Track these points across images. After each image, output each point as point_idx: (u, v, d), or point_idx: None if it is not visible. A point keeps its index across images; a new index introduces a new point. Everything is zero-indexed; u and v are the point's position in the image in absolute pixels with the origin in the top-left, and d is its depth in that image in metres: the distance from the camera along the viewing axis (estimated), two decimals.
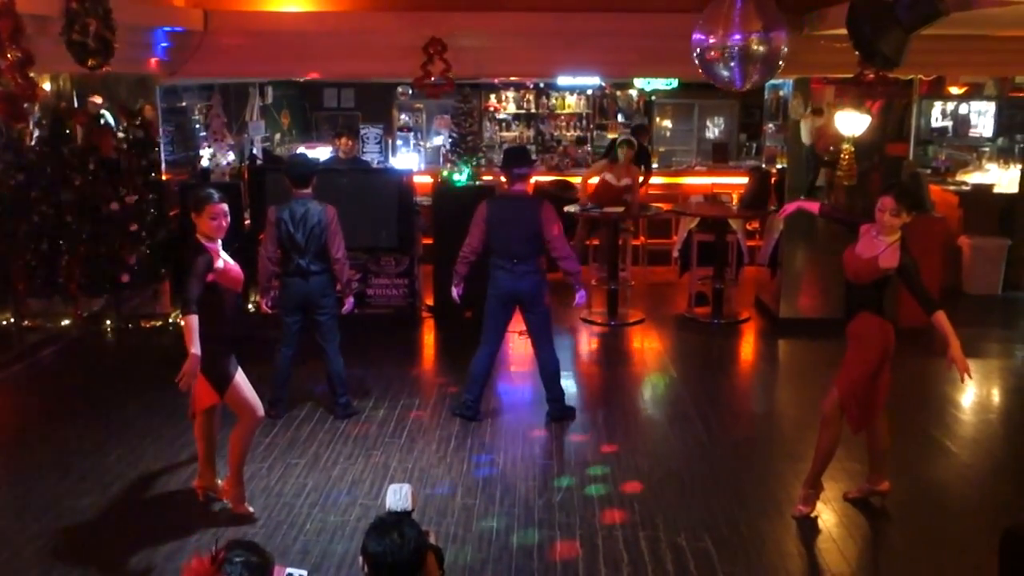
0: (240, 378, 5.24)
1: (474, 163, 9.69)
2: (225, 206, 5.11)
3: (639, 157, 10.97)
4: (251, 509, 5.41)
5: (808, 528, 5.36)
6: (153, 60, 8.37)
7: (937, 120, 12.44)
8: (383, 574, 2.85)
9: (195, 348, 4.85)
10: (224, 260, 5.11)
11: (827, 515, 5.50)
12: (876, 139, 9.12)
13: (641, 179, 10.88)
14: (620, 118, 15.55)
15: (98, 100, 8.70)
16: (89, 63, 6.55)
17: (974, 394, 7.77)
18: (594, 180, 10.40)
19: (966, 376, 4.83)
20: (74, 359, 8.52)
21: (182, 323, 4.93)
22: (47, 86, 8.64)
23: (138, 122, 8.86)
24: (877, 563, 5.11)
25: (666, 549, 5.07)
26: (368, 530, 2.92)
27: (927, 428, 6.84)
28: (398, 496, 3.08)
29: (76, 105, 8.88)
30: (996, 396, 7.87)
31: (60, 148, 8.50)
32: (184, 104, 10.17)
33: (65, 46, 6.46)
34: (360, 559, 2.91)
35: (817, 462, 5.43)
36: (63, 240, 8.50)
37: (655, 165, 13.07)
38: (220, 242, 5.11)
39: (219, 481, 5.57)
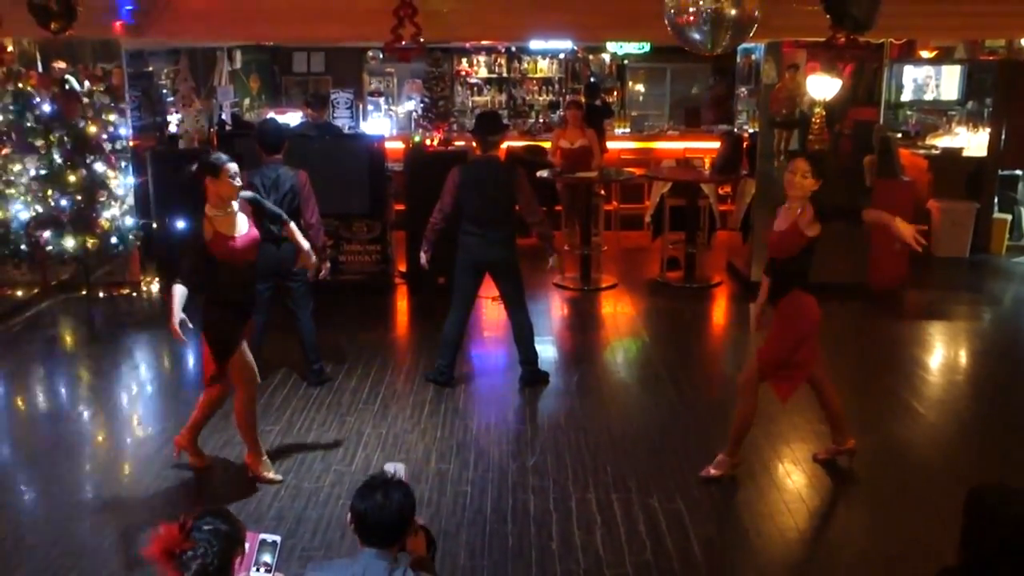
0: (242, 348, 5.23)
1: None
2: (236, 165, 5.16)
3: (593, 116, 10.83)
4: (276, 476, 5.46)
5: (778, 489, 5.43)
6: (118, 24, 8.20)
7: (907, 83, 12.48)
8: (366, 532, 2.91)
9: (174, 317, 4.95)
10: (216, 230, 5.05)
11: (797, 476, 5.58)
12: (846, 102, 9.15)
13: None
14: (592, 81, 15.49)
15: (62, 65, 8.55)
16: (52, 26, 6.42)
17: (941, 356, 7.89)
18: (563, 145, 10.35)
19: (920, 241, 4.78)
20: (43, 327, 8.43)
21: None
22: (10, 50, 8.48)
23: (104, 87, 8.71)
24: (845, 522, 5.20)
25: (639, 511, 5.12)
26: (358, 488, 2.96)
27: (895, 389, 6.94)
28: (391, 475, 3.11)
29: (40, 70, 8.72)
30: (963, 358, 7.98)
31: (24, 114, 8.35)
32: (151, 69, 10.02)
33: (27, 9, 6.33)
34: (348, 515, 2.95)
35: (735, 430, 5.44)
36: (30, 207, 8.38)
37: (625, 130, 13.04)
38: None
39: (202, 451, 5.59)
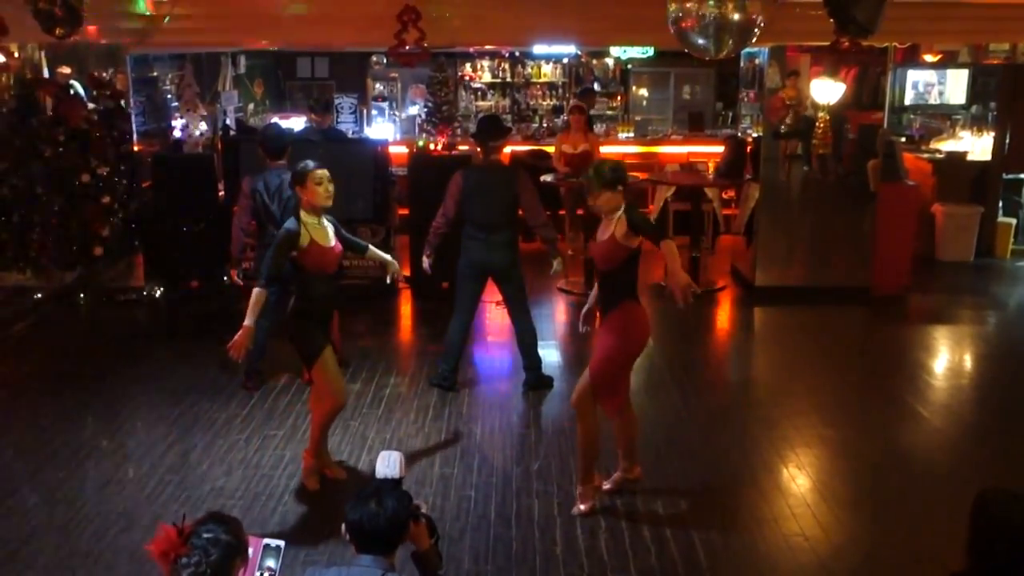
0: (327, 356, 5.22)
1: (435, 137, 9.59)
2: (326, 171, 5.19)
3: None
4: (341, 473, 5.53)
5: (783, 493, 5.42)
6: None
7: (911, 88, 12.47)
8: (362, 541, 2.88)
9: (248, 320, 4.92)
10: (312, 238, 5.10)
11: (801, 480, 5.56)
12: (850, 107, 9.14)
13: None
14: (596, 87, 15.45)
15: (67, 70, 8.57)
16: (56, 32, 6.44)
17: (946, 360, 7.87)
18: (566, 149, 10.32)
19: (686, 298, 4.65)
20: (46, 333, 8.44)
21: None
22: (16, 55, 8.51)
23: (108, 92, 8.73)
24: (850, 527, 5.17)
25: (643, 516, 5.11)
26: (351, 498, 2.95)
27: (900, 394, 6.92)
28: (387, 464, 3.10)
29: (45, 75, 8.75)
30: (968, 362, 7.96)
31: (29, 119, 8.37)
32: (155, 74, 10.03)
33: (32, 14, 6.35)
34: (343, 526, 2.94)
35: (583, 456, 5.19)
36: (34, 213, 8.40)
37: (629, 134, 13.03)
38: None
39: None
